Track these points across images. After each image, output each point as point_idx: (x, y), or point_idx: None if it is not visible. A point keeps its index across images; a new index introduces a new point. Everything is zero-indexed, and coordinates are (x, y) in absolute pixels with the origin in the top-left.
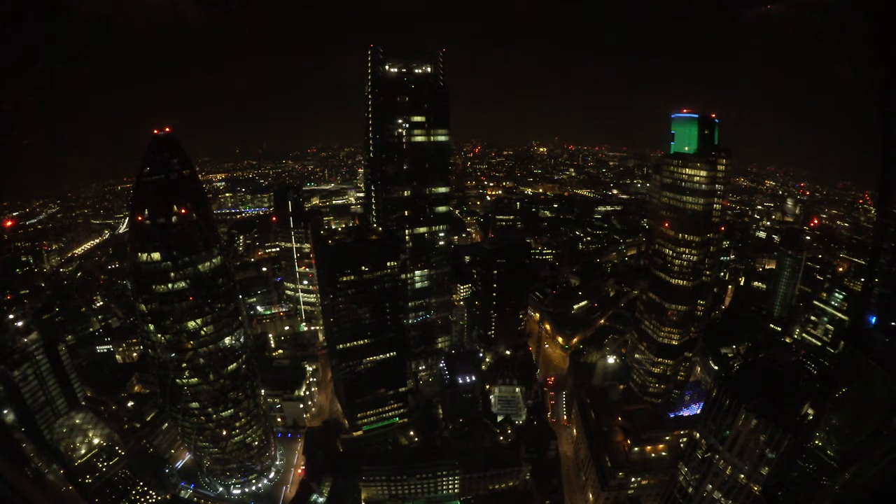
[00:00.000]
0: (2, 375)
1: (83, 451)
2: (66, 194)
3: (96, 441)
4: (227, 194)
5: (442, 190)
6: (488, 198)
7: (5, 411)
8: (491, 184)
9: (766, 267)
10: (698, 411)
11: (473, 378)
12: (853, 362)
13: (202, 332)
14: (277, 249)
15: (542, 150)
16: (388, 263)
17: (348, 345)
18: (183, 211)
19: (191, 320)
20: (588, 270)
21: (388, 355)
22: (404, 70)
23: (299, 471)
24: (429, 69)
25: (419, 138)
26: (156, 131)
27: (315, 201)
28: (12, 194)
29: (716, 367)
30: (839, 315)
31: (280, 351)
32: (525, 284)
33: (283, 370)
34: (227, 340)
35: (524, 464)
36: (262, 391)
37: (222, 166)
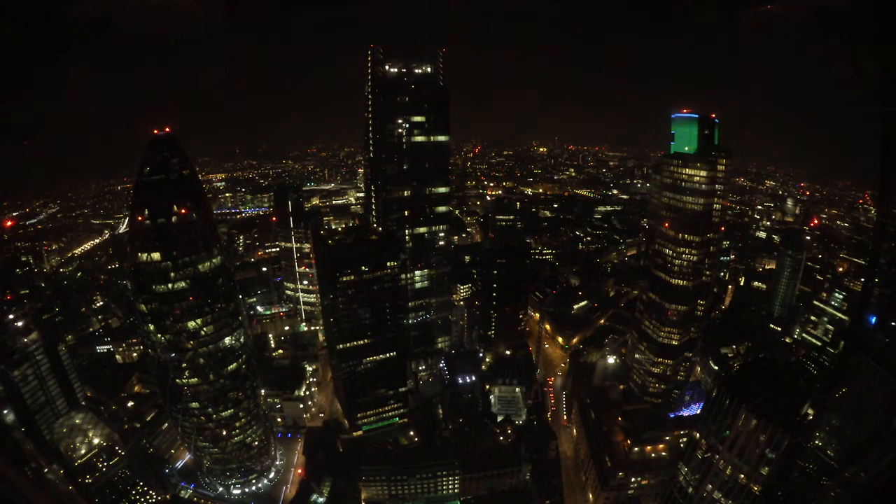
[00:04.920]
0: (2, 375)
1: (83, 451)
2: (66, 194)
3: (96, 441)
4: (227, 194)
5: (442, 190)
6: (488, 198)
7: (5, 411)
8: (491, 184)
9: (766, 267)
10: (698, 411)
11: (473, 378)
12: (853, 362)
13: (202, 332)
14: (277, 249)
15: (542, 150)
16: (388, 263)
17: (348, 345)
18: (183, 211)
19: (191, 320)
20: (588, 270)
21: (388, 355)
22: (404, 70)
23: (299, 471)
24: (429, 69)
25: (419, 138)
26: (156, 131)
27: (315, 201)
28: (12, 194)
29: (716, 367)
30: (839, 315)
31: (280, 351)
32: (525, 284)
33: (283, 370)
34: (227, 340)
35: (524, 464)
36: (262, 391)
37: (222, 166)
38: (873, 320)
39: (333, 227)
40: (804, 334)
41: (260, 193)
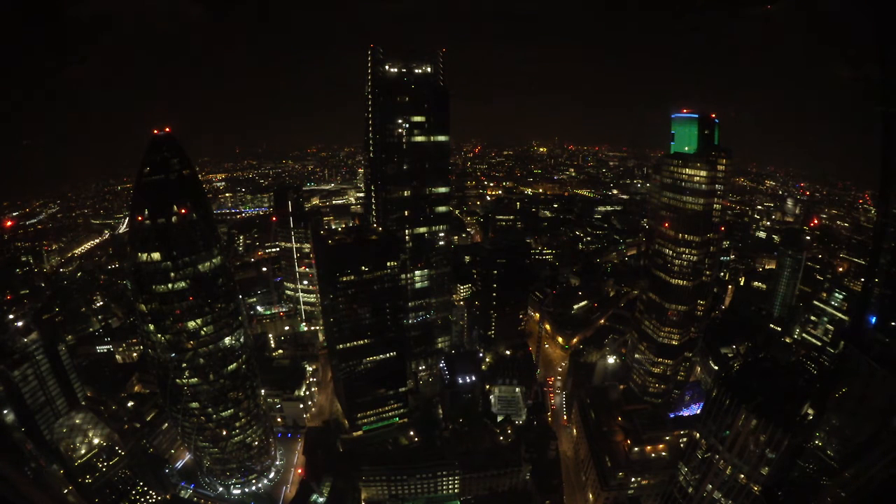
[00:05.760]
0: (2, 375)
1: (83, 451)
2: (66, 194)
3: (96, 441)
4: (227, 194)
5: (442, 190)
6: (488, 198)
7: (5, 411)
8: (491, 184)
9: (766, 267)
10: (698, 411)
11: (473, 378)
12: (853, 362)
13: (202, 332)
14: (277, 249)
15: (542, 150)
16: (388, 263)
17: (348, 345)
18: (183, 211)
19: (191, 320)
20: (588, 270)
21: (388, 355)
22: (404, 70)
23: (299, 471)
24: (429, 69)
25: (419, 138)
26: (156, 131)
27: (315, 201)
28: (12, 194)
29: (716, 367)
30: (839, 315)
31: (280, 351)
32: (525, 284)
33: (283, 370)
34: (227, 340)
35: (524, 464)
36: (262, 391)
37: (222, 166)
38: (873, 320)
39: (333, 227)
40: (804, 334)
41: (260, 193)
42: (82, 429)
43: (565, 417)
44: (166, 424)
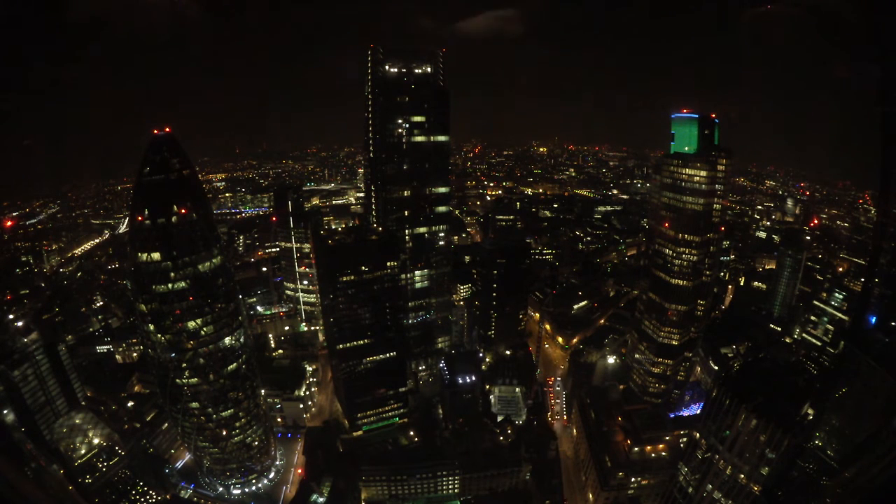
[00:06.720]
0: (2, 375)
1: (83, 451)
2: (66, 194)
3: (96, 441)
4: (227, 194)
5: (442, 190)
6: (488, 198)
7: (5, 411)
8: (491, 184)
9: (766, 267)
10: (698, 411)
11: (473, 378)
12: (853, 362)
13: (202, 332)
14: (277, 249)
15: (542, 150)
16: (388, 263)
17: (348, 345)
18: (183, 211)
19: (191, 320)
20: (588, 270)
21: (388, 355)
22: (404, 70)
23: (299, 471)
24: (429, 69)
25: (419, 138)
26: (156, 131)
27: (315, 201)
28: (12, 194)
29: (716, 367)
30: (839, 315)
31: (280, 351)
32: (525, 284)
33: (283, 370)
34: (227, 340)
35: (524, 464)
36: (262, 391)
37: (222, 166)
38: (873, 320)
39: (333, 227)
40: (804, 334)
41: (260, 193)
42: (82, 429)
43: (565, 417)
44: (166, 424)
